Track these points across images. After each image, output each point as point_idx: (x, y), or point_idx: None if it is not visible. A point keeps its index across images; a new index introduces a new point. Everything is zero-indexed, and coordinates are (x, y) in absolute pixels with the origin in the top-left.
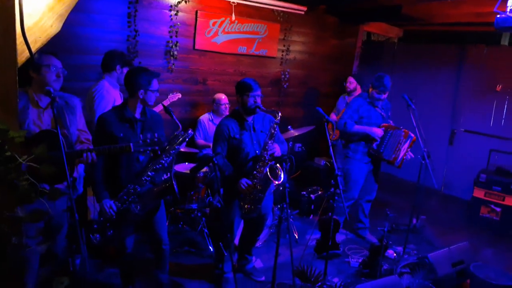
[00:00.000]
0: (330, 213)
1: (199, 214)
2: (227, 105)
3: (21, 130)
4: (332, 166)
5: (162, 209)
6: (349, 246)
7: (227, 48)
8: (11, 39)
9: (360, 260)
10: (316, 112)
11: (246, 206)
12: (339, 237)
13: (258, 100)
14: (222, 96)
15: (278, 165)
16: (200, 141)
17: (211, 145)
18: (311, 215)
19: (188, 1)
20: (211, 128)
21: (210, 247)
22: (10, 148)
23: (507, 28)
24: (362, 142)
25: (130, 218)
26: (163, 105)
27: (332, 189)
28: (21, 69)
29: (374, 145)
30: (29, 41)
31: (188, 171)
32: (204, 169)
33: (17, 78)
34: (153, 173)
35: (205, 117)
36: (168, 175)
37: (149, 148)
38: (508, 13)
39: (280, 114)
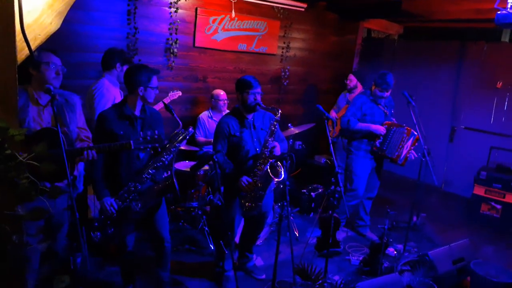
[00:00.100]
0: (330, 211)
1: (199, 212)
2: (225, 101)
3: (21, 128)
4: (333, 164)
5: (163, 207)
6: (349, 244)
7: (227, 45)
8: (11, 36)
9: (360, 258)
10: (316, 109)
11: (246, 204)
12: (340, 235)
13: (258, 97)
14: (221, 92)
15: (278, 162)
16: (201, 138)
17: (212, 141)
18: (312, 213)
19: None
20: (211, 125)
21: (210, 245)
22: (10, 146)
23: (508, 24)
24: (365, 139)
25: (131, 216)
26: (163, 102)
27: (333, 187)
28: (20, 66)
29: (377, 142)
30: (29, 38)
31: (189, 169)
32: (205, 167)
33: (16, 75)
34: (153, 171)
35: (204, 114)
36: (169, 173)
37: (149, 146)
38: (508, 9)
39: (280, 111)
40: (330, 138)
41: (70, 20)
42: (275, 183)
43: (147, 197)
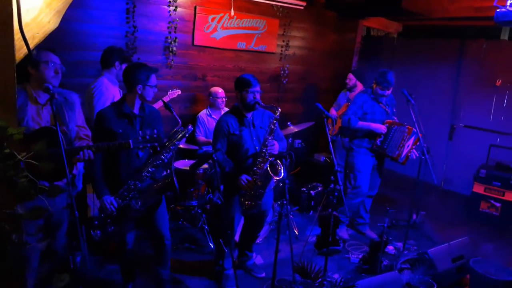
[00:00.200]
0: (330, 209)
1: (199, 211)
2: (224, 99)
3: (20, 127)
4: (332, 162)
5: (163, 205)
6: (349, 242)
7: (226, 43)
8: (9, 35)
9: (360, 256)
10: (315, 108)
11: (246, 202)
12: (344, 234)
13: (258, 96)
14: (219, 90)
15: (278, 161)
16: (201, 138)
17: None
18: (311, 211)
19: None
20: (211, 123)
21: (210, 244)
22: (9, 145)
23: (507, 22)
24: (366, 138)
25: (131, 214)
26: (163, 101)
27: (332, 185)
28: (19, 65)
29: (378, 141)
30: (27, 37)
31: (188, 168)
32: (204, 166)
33: (15, 74)
34: (153, 169)
35: (203, 113)
36: (168, 171)
37: (149, 145)
38: (508, 7)
39: (279, 110)
40: (329, 136)
41: (69, 19)
42: (275, 182)
43: (147, 195)
